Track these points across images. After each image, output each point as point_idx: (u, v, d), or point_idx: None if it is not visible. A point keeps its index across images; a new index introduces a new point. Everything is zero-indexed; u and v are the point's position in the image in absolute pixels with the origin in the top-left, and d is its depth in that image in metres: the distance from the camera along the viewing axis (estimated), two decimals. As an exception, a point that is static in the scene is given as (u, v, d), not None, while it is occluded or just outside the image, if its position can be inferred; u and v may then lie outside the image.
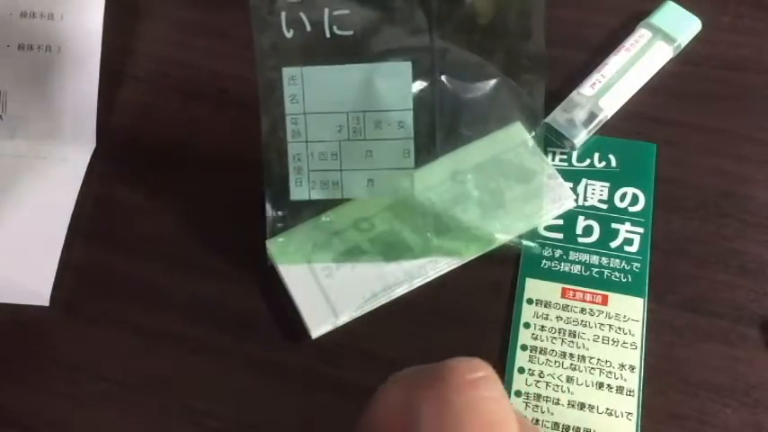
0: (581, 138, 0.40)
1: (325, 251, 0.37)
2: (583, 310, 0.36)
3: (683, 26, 0.43)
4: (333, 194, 0.36)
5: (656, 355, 0.35)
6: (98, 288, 0.39)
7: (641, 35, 0.43)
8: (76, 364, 0.37)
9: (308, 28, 0.34)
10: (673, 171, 0.40)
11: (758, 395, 0.34)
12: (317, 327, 0.36)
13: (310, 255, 0.37)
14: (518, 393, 0.35)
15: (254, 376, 0.36)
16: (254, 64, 0.35)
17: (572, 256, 0.38)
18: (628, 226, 0.38)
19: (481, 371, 0.24)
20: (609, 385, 0.35)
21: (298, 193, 0.36)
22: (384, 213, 0.38)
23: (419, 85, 0.35)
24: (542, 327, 0.36)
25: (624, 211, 0.39)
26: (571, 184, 0.39)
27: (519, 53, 0.37)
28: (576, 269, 0.37)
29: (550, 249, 0.38)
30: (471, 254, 0.38)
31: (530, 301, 0.37)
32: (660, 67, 0.43)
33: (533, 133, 0.39)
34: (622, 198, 0.39)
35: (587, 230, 0.39)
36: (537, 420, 0.34)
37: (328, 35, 0.33)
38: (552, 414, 0.34)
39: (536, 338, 0.36)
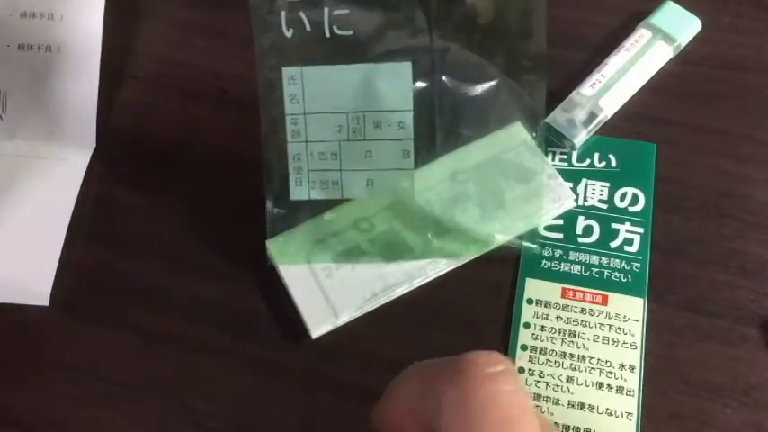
0: (581, 138, 0.40)
1: (325, 251, 0.37)
2: (583, 310, 0.36)
3: (683, 26, 0.43)
4: (332, 194, 0.36)
5: (656, 355, 0.35)
6: (98, 288, 0.39)
7: (641, 35, 0.43)
8: (76, 364, 0.37)
9: (308, 28, 0.34)
10: (673, 171, 0.40)
11: (758, 395, 0.34)
12: (317, 327, 0.36)
13: (310, 255, 0.37)
14: (518, 393, 0.35)
15: (254, 376, 0.36)
16: (254, 64, 0.35)
17: (572, 256, 0.38)
18: (628, 226, 0.38)
19: (500, 365, 0.24)
20: (609, 385, 0.35)
21: (298, 193, 0.36)
22: (384, 213, 0.38)
23: (419, 85, 0.35)
24: (542, 327, 0.36)
25: (624, 211, 0.39)
26: (571, 184, 0.39)
27: (520, 53, 0.37)
28: (576, 269, 0.37)
29: (550, 249, 0.38)
30: (471, 254, 0.38)
31: (530, 301, 0.37)
32: (660, 67, 0.43)
33: (533, 133, 0.39)
34: (622, 198, 0.39)
35: (587, 230, 0.39)
36: (537, 420, 0.34)
37: (328, 35, 0.33)
38: (552, 414, 0.34)
39: (536, 338, 0.36)
